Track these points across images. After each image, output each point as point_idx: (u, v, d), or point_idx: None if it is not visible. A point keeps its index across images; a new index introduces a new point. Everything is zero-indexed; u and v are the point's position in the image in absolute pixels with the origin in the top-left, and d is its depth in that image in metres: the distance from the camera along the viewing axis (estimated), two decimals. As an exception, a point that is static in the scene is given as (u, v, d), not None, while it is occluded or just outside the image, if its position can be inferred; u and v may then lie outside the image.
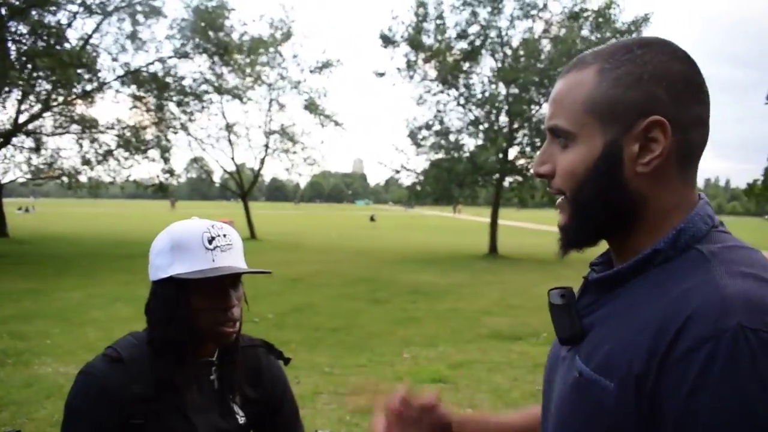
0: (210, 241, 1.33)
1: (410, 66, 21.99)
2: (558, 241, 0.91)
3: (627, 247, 0.86)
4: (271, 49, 25.98)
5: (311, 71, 26.67)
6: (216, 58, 23.11)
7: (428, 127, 22.38)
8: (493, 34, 21.39)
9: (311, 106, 26.95)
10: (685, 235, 0.82)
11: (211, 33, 22.29)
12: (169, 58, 22.65)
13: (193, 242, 1.32)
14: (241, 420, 1.44)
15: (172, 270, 1.31)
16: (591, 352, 0.82)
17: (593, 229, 0.88)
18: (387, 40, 21.75)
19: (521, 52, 21.17)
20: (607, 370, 0.78)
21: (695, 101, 0.83)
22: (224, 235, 1.36)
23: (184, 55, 22.63)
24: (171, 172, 24.02)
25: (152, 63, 22.23)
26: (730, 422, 0.67)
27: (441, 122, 22.31)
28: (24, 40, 18.54)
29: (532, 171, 0.91)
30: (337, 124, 27.36)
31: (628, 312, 0.80)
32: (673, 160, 0.82)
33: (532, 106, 21.27)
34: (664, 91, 0.81)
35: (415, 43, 21.16)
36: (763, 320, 0.69)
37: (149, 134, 22.98)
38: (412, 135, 22.44)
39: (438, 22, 21.07)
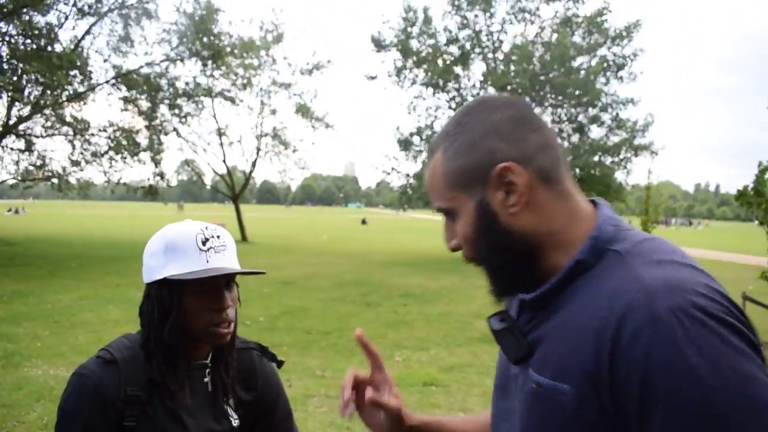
0: (204, 243, 1.33)
1: (400, 71, 22.02)
2: (489, 293, 0.99)
3: (551, 271, 0.92)
4: (262, 52, 25.96)
5: (302, 73, 26.67)
6: (208, 62, 23.03)
7: (419, 132, 22.41)
8: (484, 38, 21.47)
9: (302, 109, 26.94)
10: (599, 241, 0.89)
11: (205, 39, 22.21)
12: (162, 61, 22.59)
13: (186, 243, 1.32)
14: (235, 422, 1.43)
15: (166, 271, 1.30)
16: (543, 362, 0.88)
17: (510, 277, 0.95)
18: (378, 44, 21.78)
19: (513, 57, 21.23)
20: (562, 375, 0.83)
21: (528, 132, 0.92)
22: (218, 237, 1.36)
23: (176, 59, 22.55)
24: (161, 175, 23.89)
25: (143, 66, 22.14)
26: (683, 396, 0.72)
27: (431, 127, 22.33)
28: (14, 41, 18.39)
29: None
30: (327, 126, 27.35)
31: (570, 320, 0.86)
32: (539, 187, 0.90)
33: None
34: (498, 140, 0.91)
35: (404, 48, 21.19)
36: (685, 298, 0.75)
37: (141, 137, 22.84)
38: (401, 142, 22.46)
39: (426, 27, 21.11)
